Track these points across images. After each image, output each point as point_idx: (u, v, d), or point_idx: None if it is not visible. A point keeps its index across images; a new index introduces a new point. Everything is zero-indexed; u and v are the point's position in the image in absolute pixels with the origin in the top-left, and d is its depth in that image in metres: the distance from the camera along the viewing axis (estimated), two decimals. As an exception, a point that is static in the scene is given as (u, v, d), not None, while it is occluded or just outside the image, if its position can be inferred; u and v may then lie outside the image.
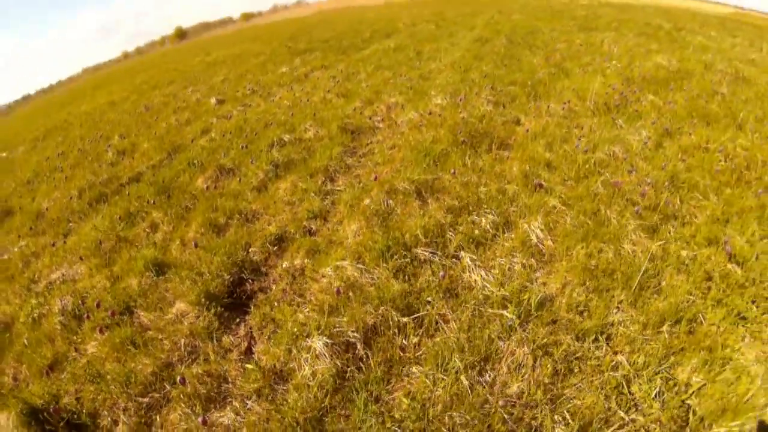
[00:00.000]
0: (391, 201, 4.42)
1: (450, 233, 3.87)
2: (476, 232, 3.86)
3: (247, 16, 78.81)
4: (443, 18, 21.21)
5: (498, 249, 3.71)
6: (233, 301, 3.69)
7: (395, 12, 28.34)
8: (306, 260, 3.89)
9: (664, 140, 5.67)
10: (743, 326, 2.76)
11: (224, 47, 25.98)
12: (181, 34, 68.84)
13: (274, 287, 3.76)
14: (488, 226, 3.92)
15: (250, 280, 3.91)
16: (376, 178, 4.85)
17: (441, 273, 3.34)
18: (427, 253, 3.64)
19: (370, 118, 7.34)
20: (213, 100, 10.58)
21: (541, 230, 3.77)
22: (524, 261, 3.50)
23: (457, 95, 7.81)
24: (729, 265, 3.17)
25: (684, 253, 3.38)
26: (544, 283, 3.30)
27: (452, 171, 4.87)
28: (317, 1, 73.87)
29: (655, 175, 4.59)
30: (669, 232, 3.64)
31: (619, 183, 4.34)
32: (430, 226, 3.88)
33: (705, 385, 2.42)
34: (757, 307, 2.83)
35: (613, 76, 8.43)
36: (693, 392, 2.40)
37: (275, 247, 4.23)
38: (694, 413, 2.30)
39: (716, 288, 3.04)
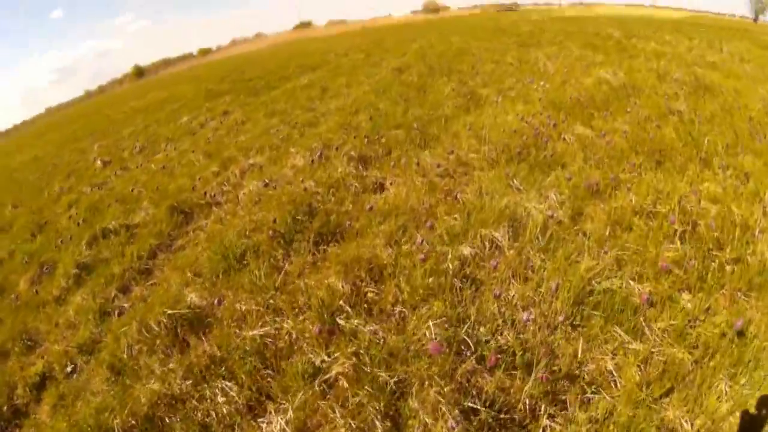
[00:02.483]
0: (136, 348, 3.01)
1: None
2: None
3: (204, 52, 76.59)
4: (379, 45, 19.63)
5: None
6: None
7: (338, 42, 27.31)
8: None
9: (586, 205, 3.40)
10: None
11: (161, 89, 24.59)
12: (139, 72, 67.59)
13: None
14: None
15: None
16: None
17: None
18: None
19: (207, 194, 5.76)
20: (99, 162, 9.77)
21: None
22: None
23: (327, 149, 5.94)
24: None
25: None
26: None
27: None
28: (276, 32, 73.41)
29: (550, 309, 2.60)
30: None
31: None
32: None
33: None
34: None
35: (536, 101, 6.25)
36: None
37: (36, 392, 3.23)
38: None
39: None
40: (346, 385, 2.21)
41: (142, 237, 5.00)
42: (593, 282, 2.62)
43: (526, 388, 2.03)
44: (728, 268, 2.74)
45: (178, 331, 3.03)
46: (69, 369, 3.39)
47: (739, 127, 4.78)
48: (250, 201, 5.01)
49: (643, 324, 2.36)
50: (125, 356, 3.01)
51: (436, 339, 2.17)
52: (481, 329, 2.33)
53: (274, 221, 3.97)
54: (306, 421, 2.22)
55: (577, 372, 2.18)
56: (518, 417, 2.01)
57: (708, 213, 3.25)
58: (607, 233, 3.08)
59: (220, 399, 2.39)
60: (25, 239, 6.23)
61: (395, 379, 2.12)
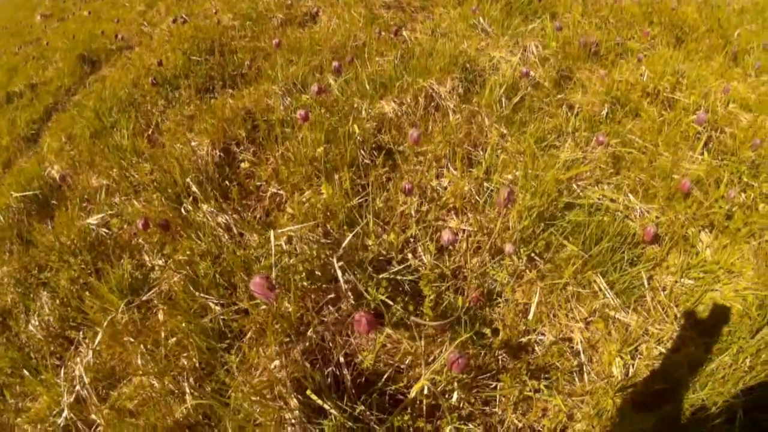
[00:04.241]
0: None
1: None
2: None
3: None
4: None
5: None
6: None
7: None
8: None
9: (578, 69, 2.50)
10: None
11: None
12: None
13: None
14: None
15: None
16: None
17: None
18: None
19: (119, 38, 5.04)
20: (38, 17, 9.31)
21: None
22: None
23: None
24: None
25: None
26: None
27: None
28: None
29: (499, 222, 1.51)
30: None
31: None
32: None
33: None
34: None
35: None
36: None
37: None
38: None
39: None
40: (161, 317, 1.37)
41: (42, 96, 4.55)
42: (574, 185, 1.65)
43: (426, 369, 1.14)
44: (762, 207, 1.77)
45: (26, 219, 2.39)
46: None
47: None
48: (161, 41, 4.20)
49: (644, 280, 1.43)
50: None
51: (288, 272, 1.24)
52: (384, 237, 1.41)
53: (160, 64, 2.92)
54: (113, 366, 1.44)
55: (523, 340, 1.29)
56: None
57: (738, 122, 2.25)
58: (604, 114, 2.09)
59: (34, 320, 1.76)
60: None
61: (226, 316, 1.26)
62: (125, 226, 1.93)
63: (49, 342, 1.71)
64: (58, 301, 1.81)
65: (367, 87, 1.99)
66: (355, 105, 1.93)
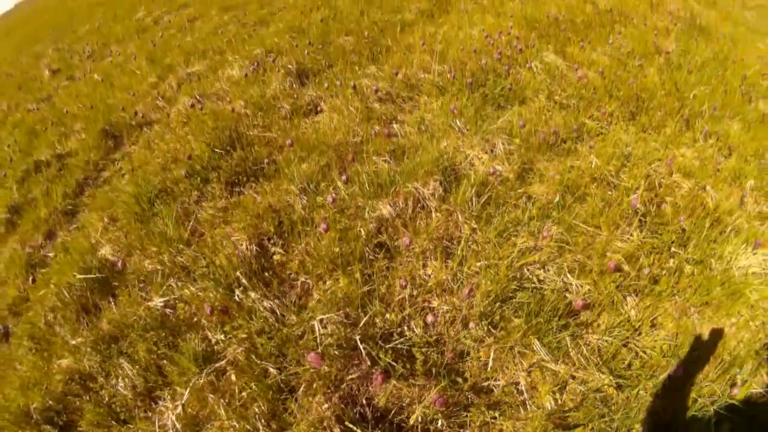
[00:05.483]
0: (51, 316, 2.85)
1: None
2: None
3: None
4: None
5: None
6: None
7: None
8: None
9: (538, 160, 3.06)
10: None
11: None
12: None
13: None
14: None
15: None
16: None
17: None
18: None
19: (138, 114, 5.42)
20: (47, 72, 9.68)
21: None
22: None
23: (270, 55, 5.58)
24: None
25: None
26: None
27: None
28: None
29: (467, 302, 2.28)
30: None
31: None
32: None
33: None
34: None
35: (509, 14, 5.67)
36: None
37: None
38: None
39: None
40: (234, 378, 2.04)
41: (71, 169, 4.90)
42: (525, 269, 2.34)
43: (419, 405, 1.85)
44: (687, 269, 2.41)
45: (89, 296, 2.90)
46: (1, 331, 3.28)
47: (731, 85, 4.30)
48: (178, 122, 4.79)
49: (568, 342, 2.09)
50: (42, 324, 2.89)
51: (323, 344, 1.95)
52: (387, 316, 2.12)
53: (189, 158, 3.63)
54: (197, 415, 2.09)
55: (485, 384, 1.98)
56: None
57: (678, 190, 2.90)
58: (557, 200, 2.74)
59: (121, 382, 2.28)
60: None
61: (283, 376, 1.95)
62: (185, 306, 2.59)
63: (137, 399, 2.34)
64: (137, 367, 2.43)
65: (367, 188, 2.71)
66: (360, 204, 2.66)
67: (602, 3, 6.16)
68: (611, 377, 1.99)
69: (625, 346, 2.14)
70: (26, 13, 34.29)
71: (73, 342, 2.61)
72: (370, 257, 2.40)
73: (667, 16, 6.04)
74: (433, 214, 2.58)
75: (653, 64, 4.54)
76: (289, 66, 4.87)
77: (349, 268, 2.30)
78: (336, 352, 1.91)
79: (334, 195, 2.56)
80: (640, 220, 2.68)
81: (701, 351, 2.11)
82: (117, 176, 4.37)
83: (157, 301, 2.63)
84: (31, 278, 3.41)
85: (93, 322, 2.73)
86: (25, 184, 4.94)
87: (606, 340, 2.13)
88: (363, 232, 2.43)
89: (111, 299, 2.89)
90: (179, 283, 2.71)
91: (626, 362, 2.09)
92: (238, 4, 9.47)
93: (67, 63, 10.24)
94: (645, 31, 5.27)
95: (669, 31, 5.40)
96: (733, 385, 1.98)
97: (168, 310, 2.60)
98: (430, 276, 2.29)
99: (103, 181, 4.51)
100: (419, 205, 2.65)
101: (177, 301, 2.61)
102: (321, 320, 2.04)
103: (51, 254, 3.64)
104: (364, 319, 2.02)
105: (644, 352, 2.12)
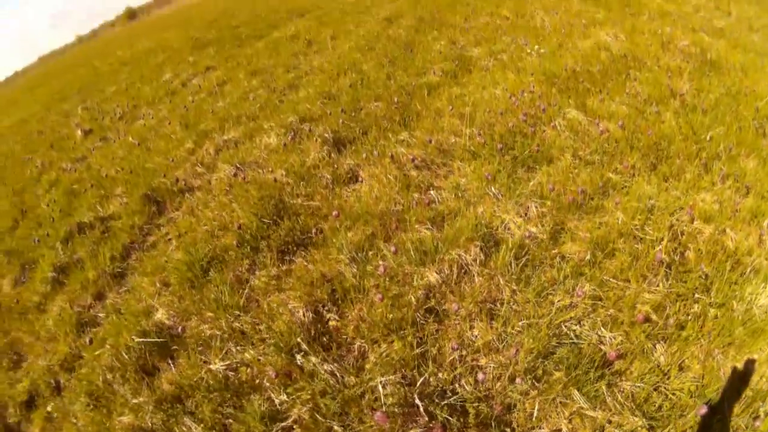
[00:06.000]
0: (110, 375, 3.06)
1: None
2: None
3: (198, -14, 73.47)
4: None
5: None
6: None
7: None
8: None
9: (569, 220, 3.29)
10: None
11: (149, 35, 23.86)
12: (130, 15, 64.07)
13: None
14: None
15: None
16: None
17: None
18: None
19: (179, 181, 5.68)
20: (80, 132, 9.96)
21: None
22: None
23: (304, 123, 5.96)
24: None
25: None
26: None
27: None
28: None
29: (513, 359, 2.59)
30: None
31: None
32: None
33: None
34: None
35: (528, 72, 5.94)
36: None
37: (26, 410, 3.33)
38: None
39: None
40: (301, 438, 2.25)
41: (116, 233, 5.04)
42: (563, 326, 2.59)
43: None
44: (711, 313, 2.61)
45: (147, 357, 3.12)
46: (53, 385, 3.47)
47: (745, 121, 4.45)
48: (221, 190, 4.99)
49: (604, 390, 2.30)
50: (100, 383, 3.06)
51: (385, 405, 2.17)
52: (440, 375, 2.34)
53: (239, 228, 3.92)
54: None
55: None
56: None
57: (700, 236, 3.12)
58: (588, 258, 2.99)
59: None
60: (8, 228, 6.46)
61: (348, 433, 2.16)
62: (247, 369, 2.82)
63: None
64: (202, 425, 2.63)
65: (413, 255, 2.98)
66: (407, 271, 2.91)
67: (615, 48, 6.46)
68: (644, 420, 2.19)
69: (655, 390, 2.35)
70: (49, 69, 36.21)
71: (134, 401, 2.82)
72: (421, 321, 2.64)
73: (678, 54, 6.24)
74: (476, 279, 2.83)
75: (669, 108, 4.72)
76: (326, 135, 5.23)
77: (402, 332, 2.54)
78: (396, 410, 2.13)
79: (383, 264, 2.84)
80: (665, 270, 2.90)
81: (726, 388, 2.30)
82: (163, 241, 4.60)
83: (219, 365, 2.86)
84: (88, 339, 3.60)
85: (153, 383, 2.96)
86: (69, 245, 5.11)
87: (638, 386, 2.34)
88: (413, 299, 2.69)
89: (170, 361, 3.11)
90: (238, 348, 2.95)
91: (657, 405, 2.29)
92: (264, 67, 9.90)
93: (99, 124, 10.52)
94: (659, 74, 5.50)
95: (681, 70, 5.60)
96: (755, 417, 2.17)
97: (230, 373, 2.83)
98: (477, 337, 2.53)
99: (149, 246, 4.71)
100: (462, 270, 2.89)
101: (238, 365, 2.84)
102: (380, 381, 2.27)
103: (102, 314, 3.86)
104: (420, 378, 2.25)
105: (673, 394, 2.33)
